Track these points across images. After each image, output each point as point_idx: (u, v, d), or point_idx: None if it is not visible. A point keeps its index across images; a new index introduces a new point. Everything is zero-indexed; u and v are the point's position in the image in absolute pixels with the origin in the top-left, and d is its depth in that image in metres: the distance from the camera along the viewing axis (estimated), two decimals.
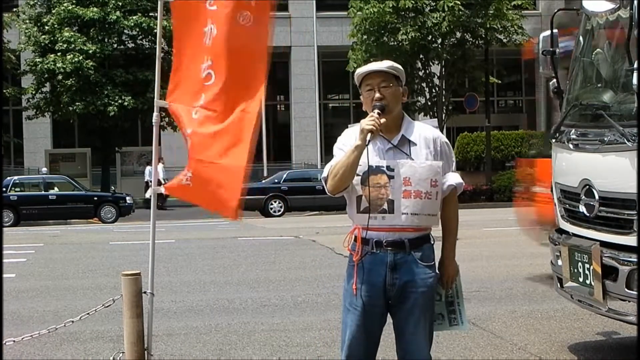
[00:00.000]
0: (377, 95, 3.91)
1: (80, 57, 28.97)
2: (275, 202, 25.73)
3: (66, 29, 29.71)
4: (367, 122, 3.81)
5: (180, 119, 4.80)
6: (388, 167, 3.87)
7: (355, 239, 3.93)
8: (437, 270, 4.02)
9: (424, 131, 4.00)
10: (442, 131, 30.99)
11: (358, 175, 3.88)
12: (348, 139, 3.98)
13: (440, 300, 4.12)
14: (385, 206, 3.85)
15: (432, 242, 4.02)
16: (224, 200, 4.69)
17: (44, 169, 29.77)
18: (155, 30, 29.11)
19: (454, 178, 4.03)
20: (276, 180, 26.37)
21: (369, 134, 3.80)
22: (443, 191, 3.98)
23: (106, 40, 30.54)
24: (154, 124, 5.05)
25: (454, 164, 4.09)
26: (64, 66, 28.89)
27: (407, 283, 3.89)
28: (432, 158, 3.93)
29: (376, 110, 3.85)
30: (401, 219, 3.86)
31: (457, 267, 4.13)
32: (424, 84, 27.60)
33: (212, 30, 4.69)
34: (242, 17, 4.67)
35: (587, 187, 5.62)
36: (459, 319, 4.15)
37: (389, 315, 4.03)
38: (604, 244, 5.42)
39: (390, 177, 3.86)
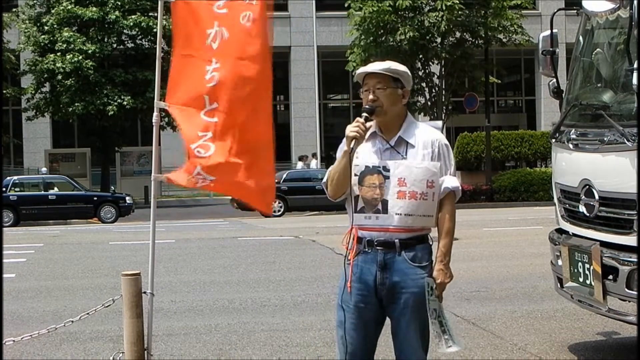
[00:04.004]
0: (371, 97, 3.95)
1: (80, 57, 28.99)
2: (275, 202, 25.72)
3: (65, 29, 29.73)
4: (351, 129, 3.88)
5: (184, 121, 4.79)
6: (384, 168, 3.91)
7: (352, 238, 3.98)
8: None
9: (424, 133, 4.00)
10: (442, 131, 31.02)
11: (356, 175, 3.93)
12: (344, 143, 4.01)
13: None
14: (380, 206, 3.89)
15: (431, 243, 4.00)
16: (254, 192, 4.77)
17: (44, 169, 29.76)
18: (154, 30, 29.11)
19: (451, 181, 3.97)
20: (276, 180, 26.35)
21: (353, 141, 3.85)
22: (440, 193, 3.96)
23: (105, 40, 30.56)
24: (153, 124, 5.04)
25: (453, 167, 4.02)
26: (64, 66, 28.91)
27: (396, 283, 3.91)
28: (429, 159, 3.93)
29: (364, 115, 3.91)
30: (394, 219, 3.88)
31: (449, 274, 3.94)
32: (423, 84, 27.57)
33: (223, 33, 4.69)
34: (244, 17, 4.67)
35: (587, 187, 5.62)
36: (450, 340, 3.95)
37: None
38: (604, 244, 5.42)
39: (386, 178, 3.89)
